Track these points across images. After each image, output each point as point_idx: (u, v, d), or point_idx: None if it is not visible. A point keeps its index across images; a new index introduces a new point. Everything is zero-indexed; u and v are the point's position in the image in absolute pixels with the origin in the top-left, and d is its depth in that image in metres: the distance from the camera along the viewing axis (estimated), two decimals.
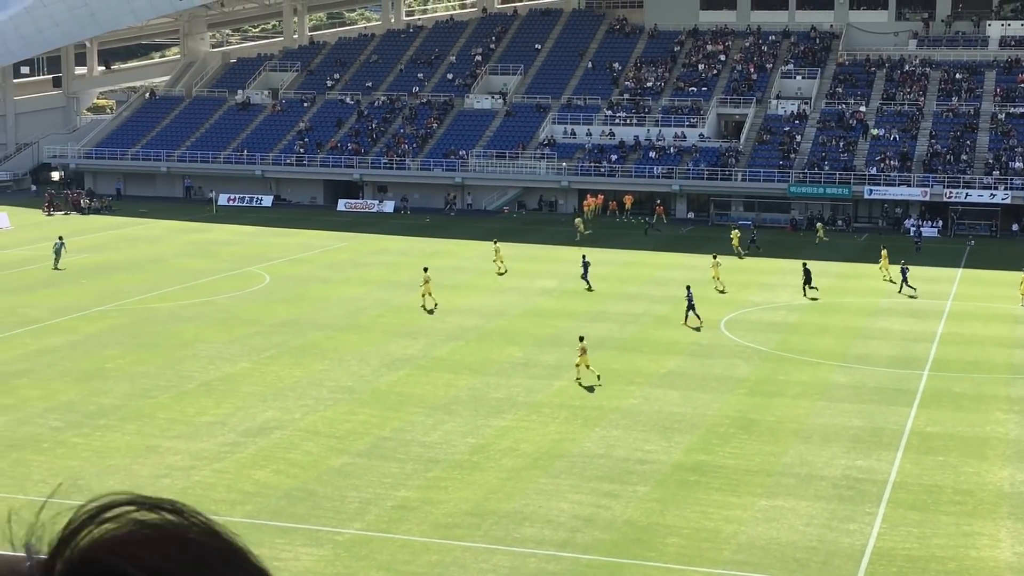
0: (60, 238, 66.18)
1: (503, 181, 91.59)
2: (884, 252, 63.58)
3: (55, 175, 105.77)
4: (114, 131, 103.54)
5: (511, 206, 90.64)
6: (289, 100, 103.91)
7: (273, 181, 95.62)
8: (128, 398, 39.60)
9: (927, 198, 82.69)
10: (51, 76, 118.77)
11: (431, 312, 53.41)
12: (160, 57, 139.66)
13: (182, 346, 46.74)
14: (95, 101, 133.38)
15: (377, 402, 39.54)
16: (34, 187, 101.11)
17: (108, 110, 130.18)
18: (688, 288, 52.53)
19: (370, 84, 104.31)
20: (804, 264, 60.21)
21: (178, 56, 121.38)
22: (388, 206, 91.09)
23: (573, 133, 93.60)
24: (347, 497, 31.02)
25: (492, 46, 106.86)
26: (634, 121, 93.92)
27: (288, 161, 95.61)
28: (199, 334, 48.80)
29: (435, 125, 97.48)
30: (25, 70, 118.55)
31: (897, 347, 48.26)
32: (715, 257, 61.11)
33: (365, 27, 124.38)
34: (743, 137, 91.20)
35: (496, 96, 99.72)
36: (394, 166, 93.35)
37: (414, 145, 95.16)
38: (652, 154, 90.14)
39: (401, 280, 60.60)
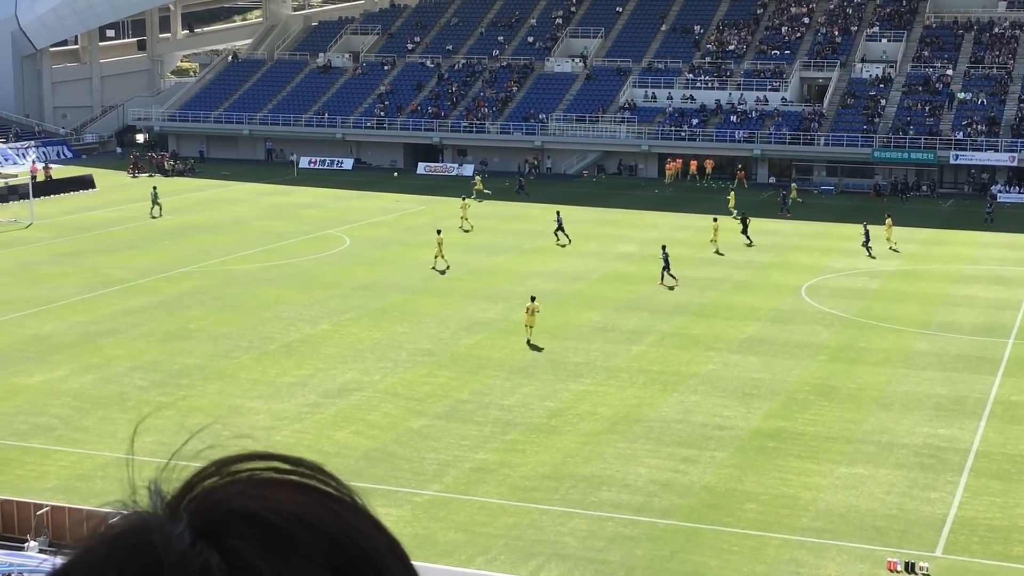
0: (154, 188, 71.64)
1: (583, 145, 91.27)
2: (889, 220, 62.17)
3: (140, 137, 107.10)
4: (197, 94, 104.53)
5: (591, 170, 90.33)
6: (370, 63, 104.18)
7: (354, 144, 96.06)
8: (210, 358, 40.13)
9: (1015, 163, 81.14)
10: (136, 39, 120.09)
11: (443, 273, 53.74)
12: (242, 20, 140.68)
13: (263, 307, 47.22)
14: (179, 64, 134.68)
15: (456, 365, 39.71)
16: (119, 149, 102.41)
17: (191, 73, 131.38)
18: (664, 248, 52.89)
19: (450, 47, 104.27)
20: (743, 214, 63.39)
21: (260, 19, 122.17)
22: (467, 169, 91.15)
23: (654, 97, 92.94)
24: (426, 459, 31.25)
25: (572, 9, 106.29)
26: (715, 85, 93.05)
27: (368, 124, 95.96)
28: (280, 296, 49.27)
29: (515, 88, 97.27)
30: (111, 33, 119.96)
31: (982, 314, 47.52)
32: (715, 220, 61.44)
33: None
34: (826, 101, 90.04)
35: (576, 59, 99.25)
36: (474, 129, 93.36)
37: (494, 108, 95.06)
38: (733, 118, 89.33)
39: (480, 243, 60.67)
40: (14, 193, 73.60)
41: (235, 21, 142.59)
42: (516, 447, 32.24)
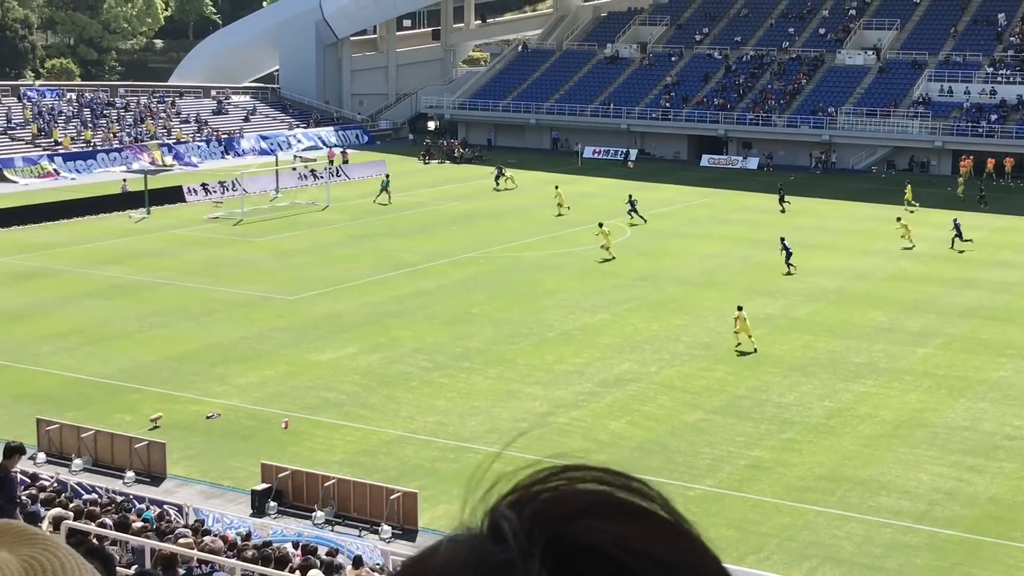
0: (387, 175, 73.77)
1: (872, 140, 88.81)
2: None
3: (431, 125, 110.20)
4: (487, 83, 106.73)
5: (879, 166, 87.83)
6: (657, 54, 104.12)
7: (638, 135, 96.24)
8: (491, 343, 41.00)
9: None
10: (431, 29, 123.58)
11: (608, 261, 54.06)
12: (532, 11, 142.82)
13: (544, 295, 47.91)
14: (470, 54, 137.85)
15: (733, 360, 39.37)
16: (411, 136, 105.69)
17: (482, 62, 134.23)
18: (783, 239, 53.11)
19: (739, 39, 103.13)
20: (955, 220, 59.20)
21: (551, 10, 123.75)
22: (752, 163, 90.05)
23: (950, 91, 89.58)
24: (700, 453, 31.13)
25: (867, 0, 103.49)
26: (1018, 79, 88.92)
27: (653, 115, 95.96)
28: (560, 284, 49.88)
29: (804, 81, 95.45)
30: (407, 23, 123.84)
31: None
32: (899, 220, 59.69)
33: None
34: None
35: (869, 51, 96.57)
36: (760, 122, 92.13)
37: (781, 101, 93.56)
38: None
39: (762, 238, 59.85)
40: (313, 176, 76.94)
41: (526, 12, 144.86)
42: (792, 446, 31.75)
